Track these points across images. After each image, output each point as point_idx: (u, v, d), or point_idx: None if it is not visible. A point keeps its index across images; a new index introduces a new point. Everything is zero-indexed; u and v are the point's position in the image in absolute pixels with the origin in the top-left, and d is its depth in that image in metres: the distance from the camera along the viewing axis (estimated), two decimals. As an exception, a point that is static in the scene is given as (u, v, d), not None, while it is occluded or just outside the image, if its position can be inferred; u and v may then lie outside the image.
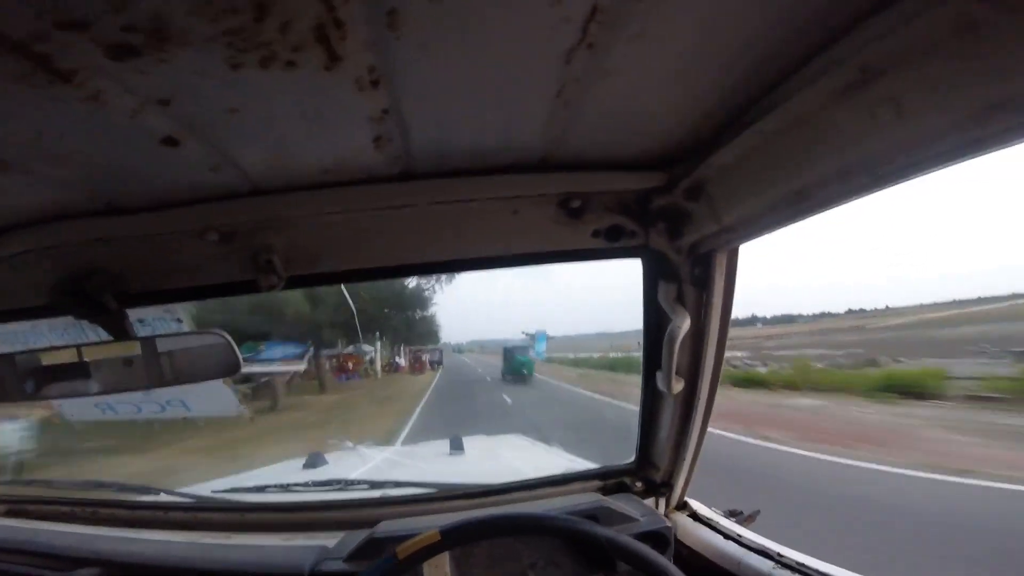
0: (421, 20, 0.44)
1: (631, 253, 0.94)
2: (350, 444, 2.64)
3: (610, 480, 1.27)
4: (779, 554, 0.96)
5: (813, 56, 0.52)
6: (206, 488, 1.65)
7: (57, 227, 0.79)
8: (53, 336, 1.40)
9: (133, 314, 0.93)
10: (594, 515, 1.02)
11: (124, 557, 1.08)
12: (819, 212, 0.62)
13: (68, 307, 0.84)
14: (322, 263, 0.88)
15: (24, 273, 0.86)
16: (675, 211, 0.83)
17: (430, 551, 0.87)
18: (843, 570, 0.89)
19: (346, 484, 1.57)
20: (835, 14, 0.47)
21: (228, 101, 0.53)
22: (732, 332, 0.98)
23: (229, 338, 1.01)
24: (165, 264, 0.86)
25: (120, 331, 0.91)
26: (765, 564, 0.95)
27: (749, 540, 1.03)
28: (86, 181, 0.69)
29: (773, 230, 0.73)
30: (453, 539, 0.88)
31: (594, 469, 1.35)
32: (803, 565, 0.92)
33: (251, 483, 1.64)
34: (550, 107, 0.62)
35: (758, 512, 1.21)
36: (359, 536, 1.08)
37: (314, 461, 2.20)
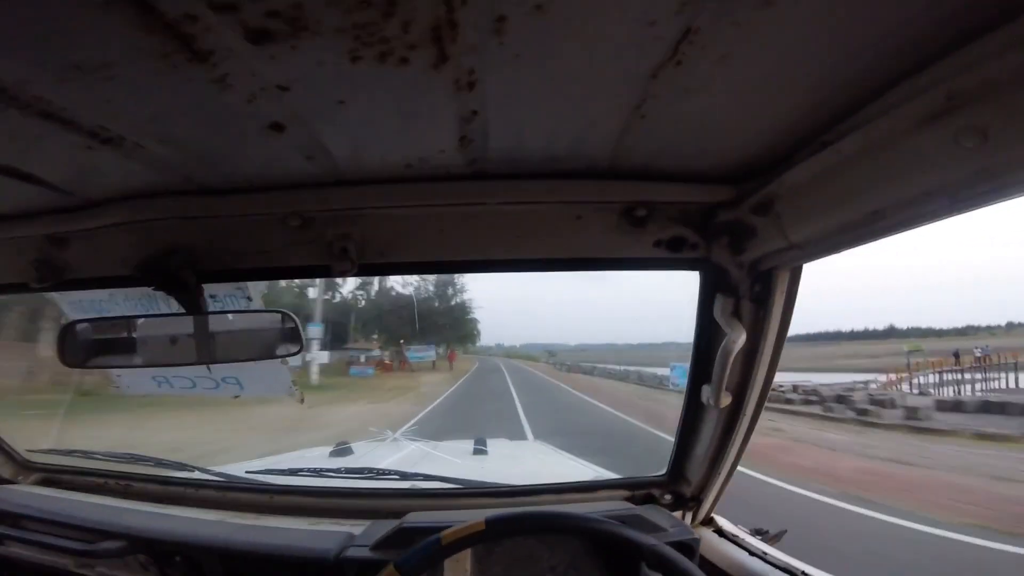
0: (525, 29, 0.46)
1: (691, 265, 0.93)
2: (390, 433, 2.66)
3: (638, 491, 1.27)
4: (804, 572, 0.96)
5: (898, 82, 0.52)
6: (240, 468, 1.67)
7: (149, 203, 0.83)
8: (127, 306, 1.45)
9: (207, 290, 0.95)
10: (624, 522, 1.01)
11: (150, 532, 1.10)
12: (893, 234, 0.63)
13: (150, 280, 0.88)
14: (393, 253, 0.90)
15: (113, 244, 0.90)
16: (740, 226, 0.83)
17: (473, 539, 0.89)
18: None
19: (377, 473, 1.60)
20: (925, 43, 0.48)
21: (339, 93, 0.55)
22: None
23: (296, 318, 1.03)
24: (245, 244, 0.89)
25: (194, 306, 0.93)
26: None
27: (774, 558, 1.04)
28: (186, 162, 0.72)
29: (841, 250, 0.72)
30: (497, 530, 0.89)
31: (623, 479, 1.35)
32: None
33: (283, 466, 1.66)
34: (627, 119, 0.64)
35: (784, 532, 1.21)
36: (386, 525, 1.08)
37: (341, 450, 2.26)
